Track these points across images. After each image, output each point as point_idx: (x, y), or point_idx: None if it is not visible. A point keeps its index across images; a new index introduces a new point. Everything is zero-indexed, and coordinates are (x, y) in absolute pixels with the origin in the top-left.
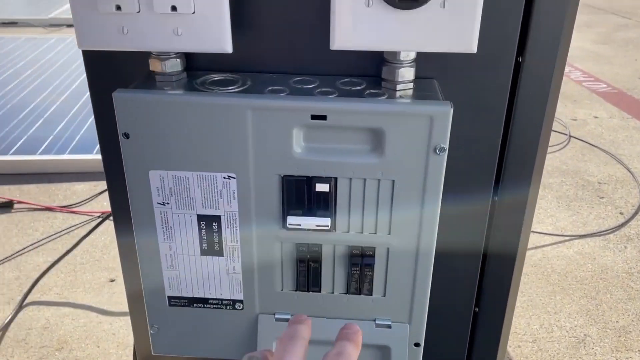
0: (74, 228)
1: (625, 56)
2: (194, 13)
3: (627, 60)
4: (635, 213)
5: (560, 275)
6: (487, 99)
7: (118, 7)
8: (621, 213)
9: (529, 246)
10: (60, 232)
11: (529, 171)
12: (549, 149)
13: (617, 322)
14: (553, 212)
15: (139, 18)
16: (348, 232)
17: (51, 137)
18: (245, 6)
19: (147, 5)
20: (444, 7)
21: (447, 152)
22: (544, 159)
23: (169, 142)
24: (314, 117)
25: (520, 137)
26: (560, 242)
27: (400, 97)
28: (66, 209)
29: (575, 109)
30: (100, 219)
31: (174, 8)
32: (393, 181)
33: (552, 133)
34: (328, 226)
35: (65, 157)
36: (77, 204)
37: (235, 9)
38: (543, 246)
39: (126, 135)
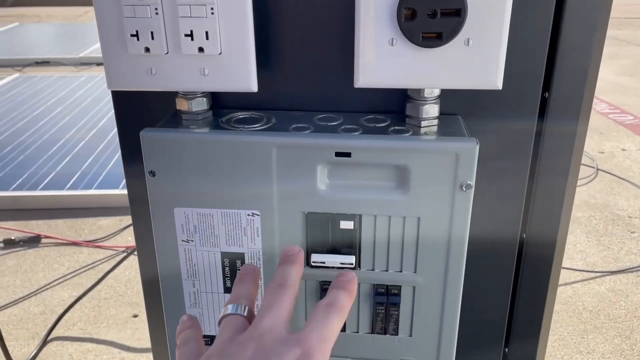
0: (98, 263)
1: None
2: (220, 54)
3: None
4: None
5: (592, 313)
6: (513, 134)
7: (147, 50)
8: None
9: (559, 282)
10: (86, 266)
11: (559, 208)
12: (578, 182)
13: None
14: (583, 248)
15: (167, 59)
16: (373, 269)
17: (79, 172)
18: (270, 45)
19: (175, 47)
20: (468, 44)
21: (473, 188)
22: (573, 194)
23: (194, 180)
24: (338, 154)
25: (548, 173)
26: (592, 278)
27: (425, 133)
28: (92, 243)
29: (602, 141)
30: (125, 254)
31: (201, 49)
32: (419, 218)
33: (580, 166)
34: (352, 264)
35: (92, 192)
36: (102, 238)
37: (260, 48)
38: (573, 282)
39: (152, 173)
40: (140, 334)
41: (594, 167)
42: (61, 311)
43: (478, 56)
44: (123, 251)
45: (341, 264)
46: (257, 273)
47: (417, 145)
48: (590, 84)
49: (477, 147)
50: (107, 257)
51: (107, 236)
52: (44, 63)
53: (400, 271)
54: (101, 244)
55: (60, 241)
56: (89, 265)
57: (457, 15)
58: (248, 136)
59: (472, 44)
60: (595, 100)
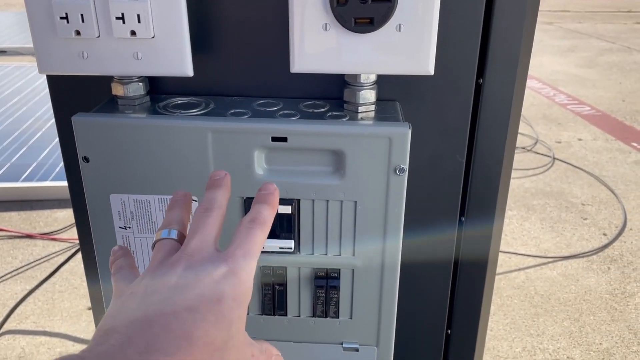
0: (53, 255)
1: (609, 79)
2: (153, 37)
3: (611, 84)
4: (619, 234)
5: (543, 298)
6: (449, 120)
7: (78, 33)
8: (605, 234)
9: (512, 268)
10: (40, 259)
11: (495, 190)
12: (533, 172)
13: (600, 344)
14: (537, 234)
15: (99, 43)
16: (312, 254)
17: (34, 164)
18: (206, 30)
19: (106, 30)
20: (399, 30)
21: (407, 172)
22: (509, 176)
23: (129, 166)
24: (274, 139)
25: (484, 157)
26: (544, 263)
27: (362, 119)
28: (47, 236)
29: (560, 131)
30: (79, 246)
31: (133, 33)
32: (355, 202)
33: (537, 156)
34: (292, 248)
35: (47, 184)
36: (57, 231)
37: (196, 32)
38: (526, 268)
39: (86, 159)
40: (95, 325)
41: (550, 157)
42: (13, 304)
43: (410, 42)
44: (78, 243)
45: (280, 248)
46: (188, 198)
47: (351, 130)
48: (522, 71)
49: (409, 132)
50: (62, 249)
51: (63, 228)
52: (1, 52)
53: (339, 255)
54: (56, 236)
55: (13, 234)
56: (43, 258)
57: (387, 0)
58: (183, 121)
59: (403, 29)
60: (554, 92)
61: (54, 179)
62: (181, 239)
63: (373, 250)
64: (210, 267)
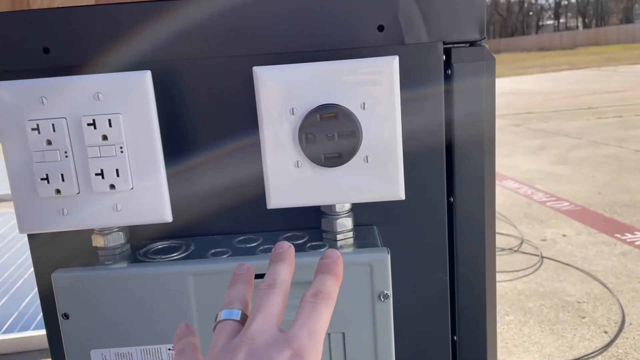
0: None
1: (582, 174)
2: (132, 189)
3: (584, 178)
4: (619, 331)
5: None
6: (427, 240)
7: (58, 191)
8: (605, 332)
9: None
10: None
11: (482, 304)
12: (524, 272)
13: None
14: (537, 339)
15: (79, 199)
16: None
17: (15, 314)
18: (182, 175)
19: (86, 187)
20: (367, 161)
21: (391, 298)
22: (494, 288)
23: (110, 318)
24: (257, 276)
25: (467, 272)
26: None
27: (341, 247)
28: None
29: (543, 229)
30: None
31: (112, 186)
32: (343, 334)
33: (525, 256)
34: None
35: (29, 334)
36: None
37: (172, 178)
38: None
39: (66, 316)
40: None
41: (538, 255)
42: None
43: (378, 171)
44: None
45: None
46: (250, 273)
47: None
48: (490, 186)
49: (389, 257)
50: None
51: None
52: None
53: None
54: None
55: None
56: None
57: (352, 136)
58: (163, 267)
59: (371, 160)
60: (531, 190)
61: (35, 328)
62: (243, 318)
63: None
64: (273, 352)
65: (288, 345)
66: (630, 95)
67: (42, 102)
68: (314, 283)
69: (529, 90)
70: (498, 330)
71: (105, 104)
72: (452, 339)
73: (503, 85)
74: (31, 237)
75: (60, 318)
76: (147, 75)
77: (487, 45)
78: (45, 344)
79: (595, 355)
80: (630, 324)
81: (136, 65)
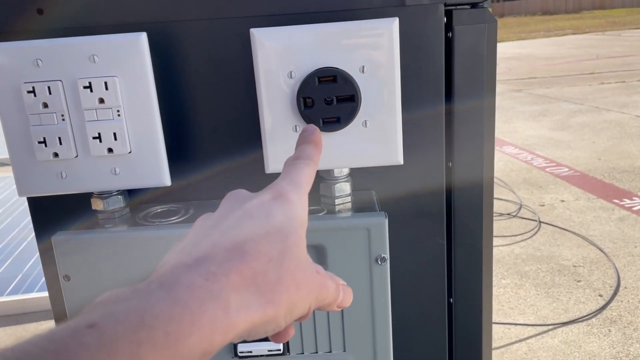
0: None
1: (582, 140)
2: (130, 153)
3: (585, 144)
4: (614, 294)
5: None
6: (425, 204)
7: (56, 155)
8: (600, 295)
9: (512, 340)
10: None
11: (479, 268)
12: (522, 237)
13: None
14: (533, 302)
15: (77, 162)
16: (302, 353)
17: (20, 275)
18: (181, 139)
19: (84, 150)
20: (366, 126)
21: (388, 261)
22: (491, 252)
23: (110, 280)
24: None
25: (463, 236)
26: (544, 332)
27: (339, 211)
28: None
29: (542, 194)
30: None
31: (110, 150)
32: None
33: (523, 221)
34: (281, 350)
35: (33, 295)
36: None
37: (171, 143)
38: (527, 338)
39: (67, 278)
40: None
41: (536, 220)
42: None
43: (377, 135)
44: None
45: (269, 351)
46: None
47: (329, 224)
48: (489, 152)
49: (386, 221)
50: None
51: None
52: None
53: (330, 351)
54: None
55: None
56: None
57: (351, 100)
58: (163, 230)
59: (369, 124)
60: (531, 156)
61: (39, 290)
62: None
63: (364, 343)
64: (257, 197)
65: (269, 189)
66: (634, 60)
67: (37, 65)
68: (295, 152)
69: (532, 54)
70: (494, 293)
71: (101, 67)
72: (449, 301)
73: (506, 49)
74: (32, 201)
75: (61, 280)
76: (143, 37)
77: (490, 9)
78: (48, 305)
79: (590, 318)
80: (625, 287)
81: (131, 27)
